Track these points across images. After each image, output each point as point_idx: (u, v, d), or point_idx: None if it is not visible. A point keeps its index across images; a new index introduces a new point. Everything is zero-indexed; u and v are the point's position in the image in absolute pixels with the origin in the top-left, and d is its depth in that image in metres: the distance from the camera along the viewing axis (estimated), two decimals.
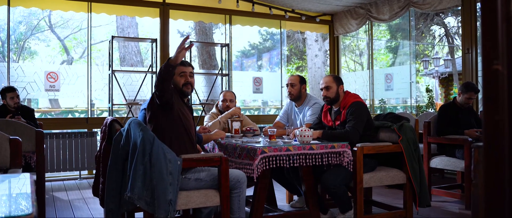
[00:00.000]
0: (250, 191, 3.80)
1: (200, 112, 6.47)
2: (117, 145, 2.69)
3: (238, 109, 3.89)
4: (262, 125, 6.38)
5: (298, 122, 4.06)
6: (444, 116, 4.33)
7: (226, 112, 3.89)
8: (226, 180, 2.70)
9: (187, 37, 2.65)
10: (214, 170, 2.77)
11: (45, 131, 4.38)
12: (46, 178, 4.33)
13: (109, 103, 5.79)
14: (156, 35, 6.40)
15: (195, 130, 2.97)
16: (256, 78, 7.10)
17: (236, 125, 3.66)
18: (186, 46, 2.57)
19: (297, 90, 3.92)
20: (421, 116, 5.56)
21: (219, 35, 14.89)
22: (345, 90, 3.49)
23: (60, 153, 5.58)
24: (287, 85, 3.96)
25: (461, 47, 6.02)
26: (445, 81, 15.77)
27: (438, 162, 4.26)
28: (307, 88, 13.96)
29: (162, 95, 2.64)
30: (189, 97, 3.06)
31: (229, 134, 3.69)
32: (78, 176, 5.90)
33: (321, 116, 3.61)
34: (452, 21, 16.30)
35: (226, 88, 6.63)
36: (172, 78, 2.63)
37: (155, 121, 2.77)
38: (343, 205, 3.19)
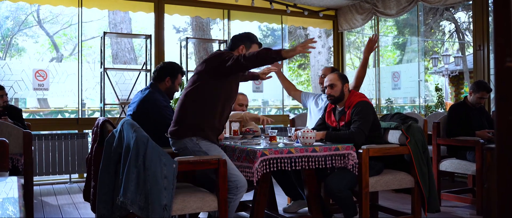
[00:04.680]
0: (249, 196, 3.80)
1: None
2: (109, 147, 2.69)
3: (247, 115, 3.89)
4: (262, 126, 6.39)
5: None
6: (454, 116, 4.33)
7: (235, 112, 3.87)
8: (224, 183, 2.70)
9: (312, 41, 2.70)
10: (214, 150, 2.82)
11: (33, 132, 4.38)
12: (34, 182, 4.32)
13: (101, 102, 5.79)
14: (151, 31, 6.40)
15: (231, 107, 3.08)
16: None
17: (235, 126, 3.66)
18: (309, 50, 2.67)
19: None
20: (430, 116, 5.56)
21: (217, 31, 14.88)
22: (350, 89, 3.49)
23: (49, 156, 5.58)
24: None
25: (472, 44, 6.03)
26: (456, 79, 15.78)
27: (448, 165, 4.26)
28: (310, 87, 13.98)
29: (240, 71, 2.81)
30: None
31: (227, 135, 3.69)
32: (68, 180, 5.90)
33: (325, 116, 3.61)
34: (462, 16, 16.31)
35: None
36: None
37: (206, 81, 2.86)
38: (347, 211, 3.19)
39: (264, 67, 3.43)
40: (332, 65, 4.19)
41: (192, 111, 2.86)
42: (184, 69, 6.15)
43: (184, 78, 6.08)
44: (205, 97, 2.86)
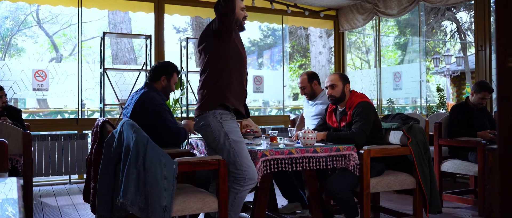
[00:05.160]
0: (250, 196, 3.80)
1: None
2: (109, 148, 2.69)
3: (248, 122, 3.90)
4: (263, 127, 6.39)
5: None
6: (456, 117, 4.33)
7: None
8: (224, 184, 2.70)
9: None
10: (235, 134, 2.82)
11: (32, 133, 4.38)
12: (34, 183, 4.33)
13: (100, 103, 5.79)
14: (151, 31, 6.41)
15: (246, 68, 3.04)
16: (256, 77, 7.10)
17: None
18: None
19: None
20: (432, 117, 5.56)
21: None
22: (351, 89, 3.49)
23: (48, 156, 5.58)
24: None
25: (474, 44, 6.02)
26: (457, 79, 15.77)
27: (449, 165, 4.26)
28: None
29: (228, 16, 2.73)
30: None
31: None
32: (68, 181, 5.90)
33: (326, 117, 3.61)
34: (464, 16, 16.31)
35: None
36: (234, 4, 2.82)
37: (211, 52, 2.88)
38: (349, 212, 3.19)
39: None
40: (308, 70, 4.23)
41: (210, 83, 2.86)
42: (185, 69, 6.15)
43: (184, 78, 6.09)
44: (217, 66, 2.86)
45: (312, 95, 4.11)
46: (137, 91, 3.46)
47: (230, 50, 2.88)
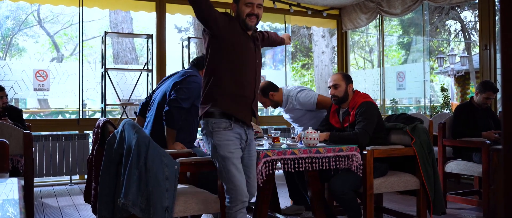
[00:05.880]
0: None
1: None
2: (110, 148, 2.69)
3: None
4: (265, 127, 6.39)
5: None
6: (460, 117, 4.32)
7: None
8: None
9: None
10: (223, 148, 2.57)
11: (33, 133, 4.38)
12: (34, 183, 4.34)
13: (102, 103, 5.80)
14: (152, 30, 6.42)
15: (258, 71, 2.74)
16: None
17: None
18: None
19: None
20: (436, 117, 5.55)
21: None
22: (354, 89, 3.49)
23: (49, 157, 5.59)
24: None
25: (478, 43, 6.01)
26: (462, 79, 15.74)
27: (453, 166, 4.25)
28: (314, 87, 13.96)
29: (199, 8, 2.48)
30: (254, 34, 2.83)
31: None
32: (69, 181, 5.91)
33: (329, 117, 3.61)
34: (468, 16, 16.26)
35: None
36: None
37: (206, 50, 2.71)
38: (351, 213, 3.19)
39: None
40: (261, 82, 4.09)
41: (204, 84, 2.70)
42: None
43: None
44: (209, 66, 2.68)
45: (276, 104, 4.03)
46: (178, 71, 3.59)
47: (223, 47, 2.64)
